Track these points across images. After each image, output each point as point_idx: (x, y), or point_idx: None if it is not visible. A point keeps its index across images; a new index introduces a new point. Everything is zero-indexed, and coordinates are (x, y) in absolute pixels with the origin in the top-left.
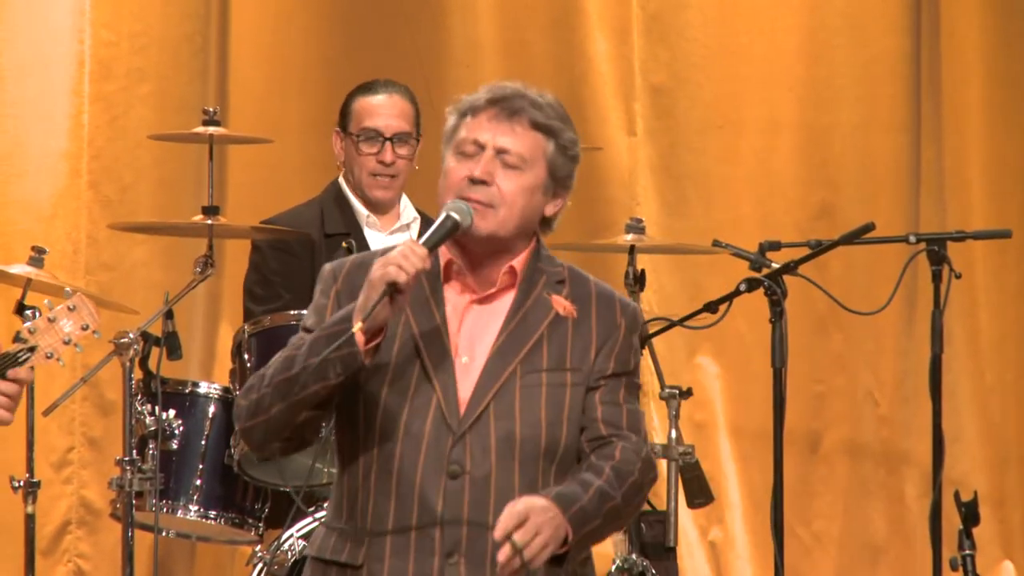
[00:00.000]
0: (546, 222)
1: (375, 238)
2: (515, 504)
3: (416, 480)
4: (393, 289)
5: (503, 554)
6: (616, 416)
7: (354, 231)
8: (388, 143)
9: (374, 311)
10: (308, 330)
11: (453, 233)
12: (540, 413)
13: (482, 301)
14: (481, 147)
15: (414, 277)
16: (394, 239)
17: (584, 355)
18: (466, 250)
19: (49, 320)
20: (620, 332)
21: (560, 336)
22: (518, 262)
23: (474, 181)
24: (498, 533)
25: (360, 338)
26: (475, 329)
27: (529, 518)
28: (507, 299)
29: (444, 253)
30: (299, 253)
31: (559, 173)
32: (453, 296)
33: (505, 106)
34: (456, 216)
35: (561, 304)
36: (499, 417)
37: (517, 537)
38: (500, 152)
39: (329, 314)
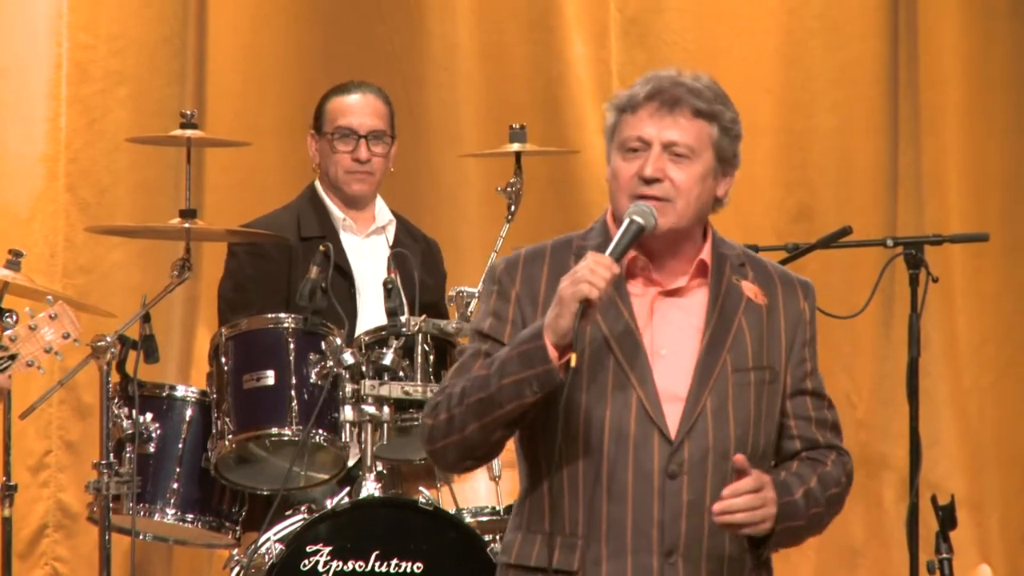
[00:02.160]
0: (717, 201)
1: (351, 241)
2: (753, 475)
3: (628, 480)
4: (587, 305)
5: (719, 507)
6: (826, 420)
7: (330, 234)
8: (363, 140)
9: (574, 328)
10: (483, 334)
11: (639, 236)
12: (749, 412)
13: (670, 294)
14: (647, 144)
15: (605, 290)
16: (370, 242)
17: (777, 348)
18: (648, 247)
19: (30, 328)
20: (806, 318)
21: (756, 326)
22: (706, 252)
23: (647, 180)
24: (727, 492)
25: (554, 353)
26: (670, 322)
27: (762, 490)
28: (697, 290)
29: None
30: (276, 258)
31: (725, 155)
32: (639, 290)
33: (665, 98)
34: (640, 220)
35: (752, 290)
36: (715, 415)
37: (743, 500)
38: (668, 146)
39: (509, 319)
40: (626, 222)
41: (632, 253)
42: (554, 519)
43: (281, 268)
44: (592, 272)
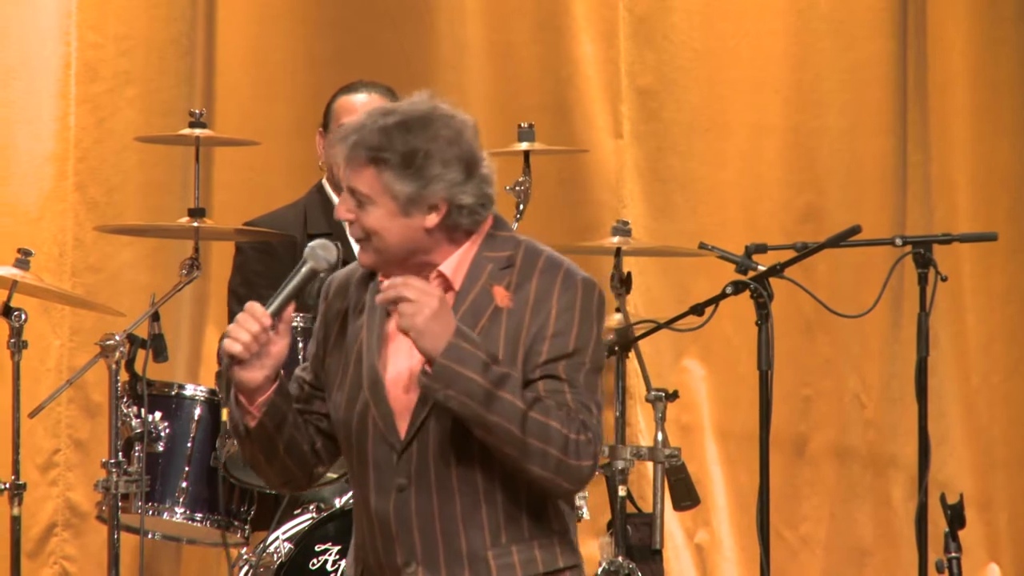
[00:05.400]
0: (452, 224)
1: None
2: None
3: (371, 500)
4: (232, 362)
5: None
6: (563, 397)
7: (336, 231)
8: None
9: (232, 379)
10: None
11: (312, 278)
12: None
13: None
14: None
15: (253, 341)
16: None
17: (515, 344)
18: (386, 274)
19: None
20: (552, 313)
21: (495, 329)
22: (448, 265)
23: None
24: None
25: (242, 399)
26: None
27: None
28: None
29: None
30: (281, 254)
31: (402, 197)
32: None
33: (345, 146)
34: (311, 263)
35: (500, 294)
36: (437, 420)
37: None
38: (351, 192)
39: (315, 337)
40: (299, 265)
41: (380, 277)
42: (356, 533)
43: (286, 264)
44: (237, 326)
